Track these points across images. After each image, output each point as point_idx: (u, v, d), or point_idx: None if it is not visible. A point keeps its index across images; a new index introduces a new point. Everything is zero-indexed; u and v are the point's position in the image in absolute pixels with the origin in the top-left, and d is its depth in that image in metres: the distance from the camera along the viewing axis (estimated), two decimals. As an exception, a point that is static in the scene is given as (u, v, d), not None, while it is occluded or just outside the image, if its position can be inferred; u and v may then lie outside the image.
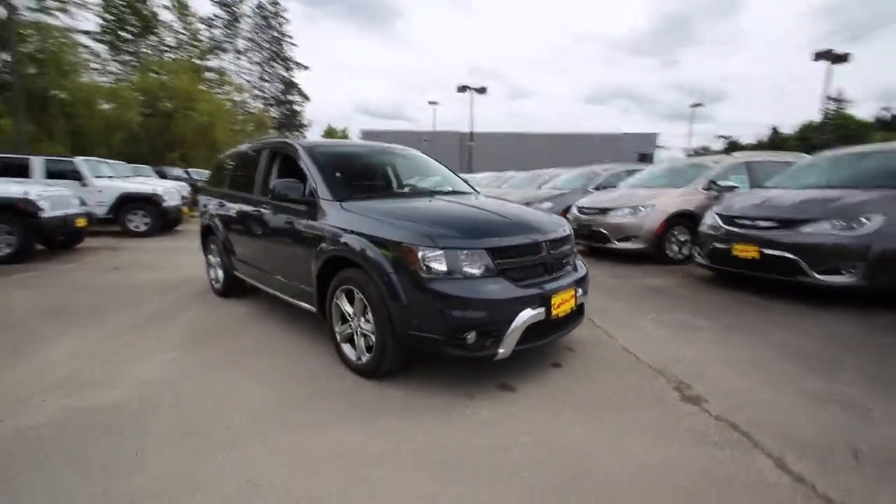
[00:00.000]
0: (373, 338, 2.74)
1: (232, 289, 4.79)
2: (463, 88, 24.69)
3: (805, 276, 4.22)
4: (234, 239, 4.44)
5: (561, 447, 2.11)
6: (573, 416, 2.39)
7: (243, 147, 4.72)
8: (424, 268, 2.46)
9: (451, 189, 3.86)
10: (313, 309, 3.28)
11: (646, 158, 42.56)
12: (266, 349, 3.40)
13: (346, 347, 2.99)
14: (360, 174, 3.93)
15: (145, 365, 3.14)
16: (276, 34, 45.10)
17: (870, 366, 2.98)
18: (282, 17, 44.93)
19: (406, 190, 4.15)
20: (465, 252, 2.50)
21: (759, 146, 79.58)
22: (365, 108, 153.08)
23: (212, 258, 5.04)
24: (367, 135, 46.80)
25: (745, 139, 76.27)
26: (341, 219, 2.95)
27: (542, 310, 2.60)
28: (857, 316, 3.98)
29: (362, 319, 2.81)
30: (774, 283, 4.67)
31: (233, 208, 4.39)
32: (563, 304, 2.75)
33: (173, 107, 25.83)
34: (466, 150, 26.88)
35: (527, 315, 2.52)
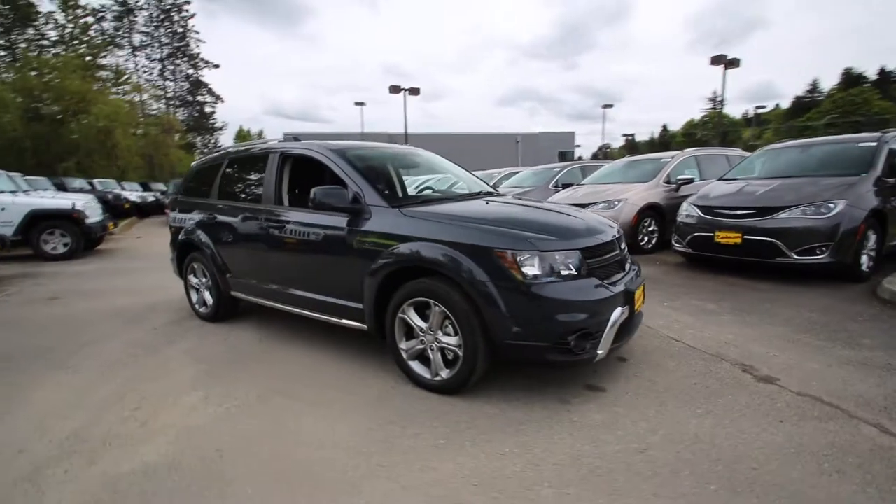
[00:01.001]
0: (454, 352, 2.57)
1: (224, 312, 4.27)
2: (395, 89, 24.36)
3: (785, 257, 4.71)
4: (233, 255, 3.95)
5: (692, 440, 2.13)
6: (679, 408, 2.43)
7: (232, 151, 4.21)
8: (524, 273, 2.35)
9: (487, 190, 3.77)
10: (363, 327, 3.01)
11: (566, 156, 45.25)
12: (312, 375, 3.06)
13: (416, 365, 2.78)
14: (394, 178, 3.69)
15: (172, 409, 2.67)
16: (179, 29, 41.21)
17: (876, 332, 3.39)
18: (185, 9, 41.18)
19: (453, 192, 3.87)
20: (561, 253, 2.44)
21: (652, 142, 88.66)
22: (275, 110, 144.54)
23: (194, 279, 4.44)
24: (290, 137, 44.48)
25: (640, 136, 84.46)
26: (406, 226, 2.73)
27: (627, 307, 2.61)
28: (832, 289, 4.53)
29: (439, 333, 2.63)
30: (749, 265, 5.19)
31: (230, 221, 3.88)
32: (639, 299, 2.79)
33: (62, 109, 22.52)
34: None
35: (618, 313, 2.52)
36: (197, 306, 4.48)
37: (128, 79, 31.81)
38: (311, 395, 2.79)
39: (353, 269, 2.96)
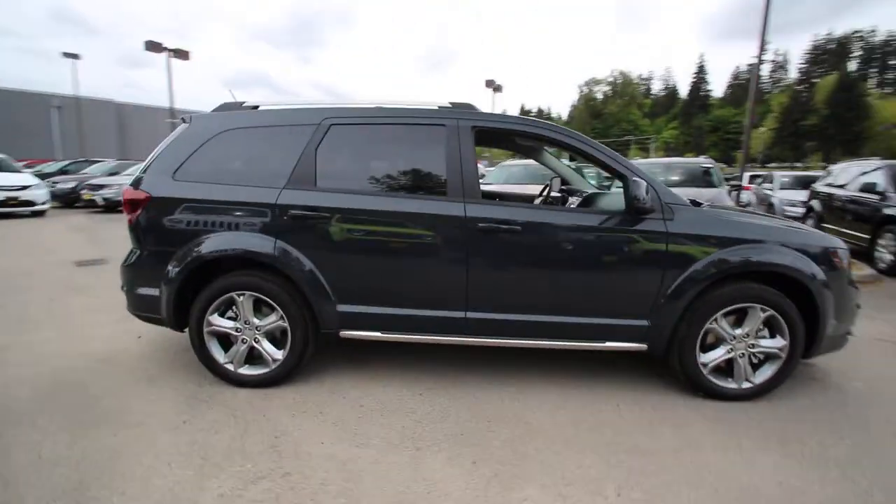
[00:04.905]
0: (768, 354, 2.57)
1: (303, 361, 2.74)
2: (156, 47, 18.40)
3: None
4: (371, 276, 2.60)
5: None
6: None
7: (338, 112, 2.62)
8: (847, 272, 2.59)
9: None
10: (641, 347, 2.58)
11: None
12: (631, 427, 2.40)
13: (714, 377, 2.60)
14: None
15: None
16: None
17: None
18: None
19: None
20: None
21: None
22: None
23: (225, 322, 2.63)
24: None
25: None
26: (725, 227, 2.51)
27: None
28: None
29: (750, 339, 2.55)
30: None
31: (367, 224, 2.51)
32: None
33: None
34: (167, 130, 20.26)
35: None
36: (232, 366, 2.66)
37: None
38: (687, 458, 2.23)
39: (640, 281, 2.51)
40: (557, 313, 2.57)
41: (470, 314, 2.58)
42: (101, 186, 12.52)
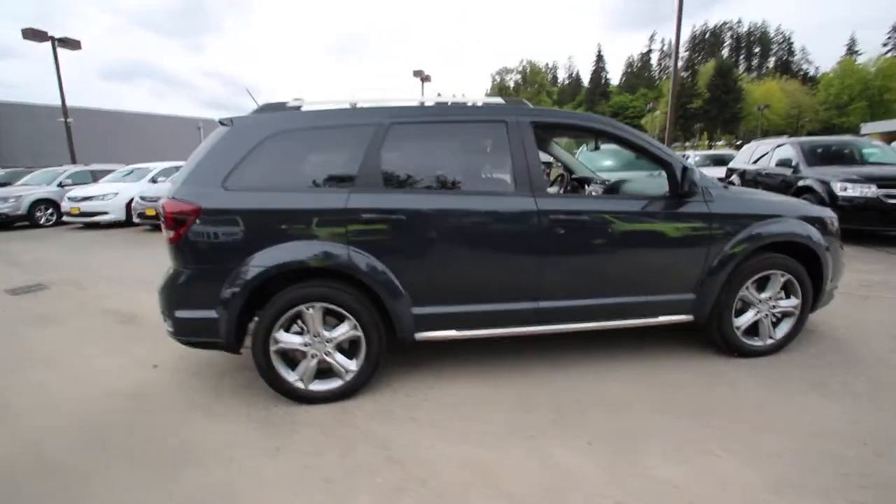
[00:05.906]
0: (785, 313, 2.98)
1: (377, 369, 2.67)
2: (39, 35, 15.50)
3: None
4: (454, 272, 2.60)
5: None
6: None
7: (401, 111, 2.55)
8: (838, 234, 3.07)
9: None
10: (687, 318, 2.86)
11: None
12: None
13: (745, 337, 2.96)
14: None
15: None
16: None
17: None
18: None
19: None
20: None
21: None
22: None
23: (292, 339, 2.48)
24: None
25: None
26: (750, 205, 2.85)
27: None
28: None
29: (772, 301, 2.95)
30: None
31: (441, 223, 2.50)
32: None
33: None
34: (59, 130, 17.23)
35: None
36: (302, 383, 2.52)
37: None
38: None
39: (690, 258, 2.79)
40: (621, 294, 2.77)
41: (541, 303, 2.69)
42: (-10, 200, 10.66)
